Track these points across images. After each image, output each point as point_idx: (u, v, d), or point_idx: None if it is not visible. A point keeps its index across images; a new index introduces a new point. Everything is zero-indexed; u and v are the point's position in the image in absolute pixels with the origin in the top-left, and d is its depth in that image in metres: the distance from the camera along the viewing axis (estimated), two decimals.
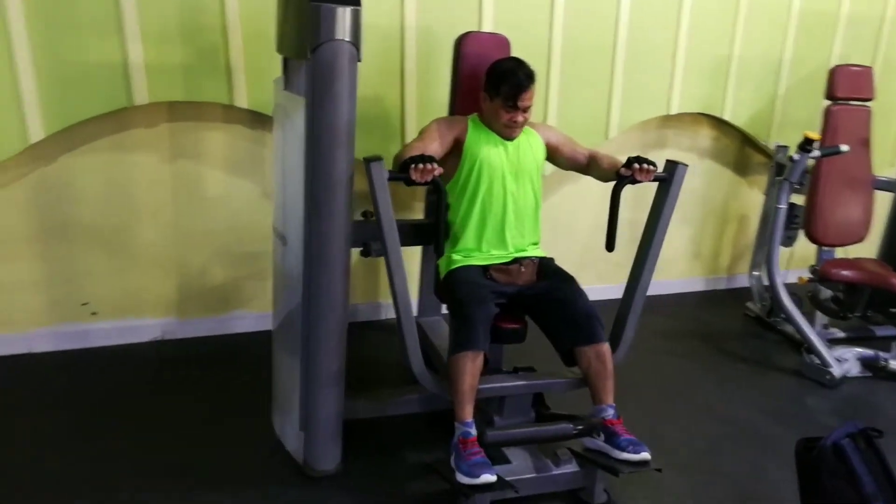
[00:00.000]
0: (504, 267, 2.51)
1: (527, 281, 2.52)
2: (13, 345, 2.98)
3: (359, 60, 2.07)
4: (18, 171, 2.82)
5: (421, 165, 2.13)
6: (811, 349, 3.31)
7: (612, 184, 2.43)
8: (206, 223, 3.14)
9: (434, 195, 2.28)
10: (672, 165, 2.39)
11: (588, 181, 2.64)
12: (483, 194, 2.49)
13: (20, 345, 2.99)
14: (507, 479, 2.17)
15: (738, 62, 3.87)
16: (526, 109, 2.44)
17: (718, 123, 4.10)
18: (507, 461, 2.32)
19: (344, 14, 1.99)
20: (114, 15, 2.66)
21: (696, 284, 4.42)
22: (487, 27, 3.22)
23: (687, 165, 2.39)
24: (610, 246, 2.46)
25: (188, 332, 3.24)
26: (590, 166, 2.58)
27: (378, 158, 2.14)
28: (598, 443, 2.30)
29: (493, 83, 2.44)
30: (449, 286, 2.46)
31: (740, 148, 4.25)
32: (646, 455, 2.20)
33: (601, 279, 3.99)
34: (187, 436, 2.54)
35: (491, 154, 2.48)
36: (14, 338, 2.98)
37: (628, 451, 2.21)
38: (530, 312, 2.49)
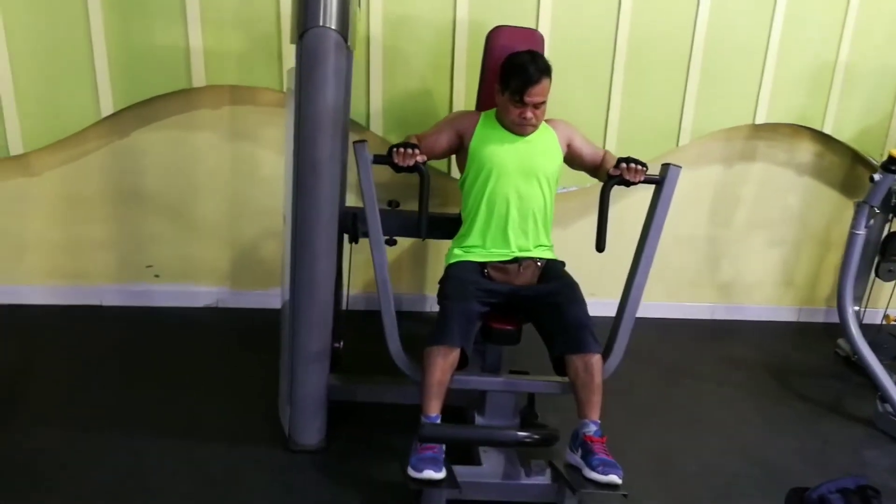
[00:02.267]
0: (502, 265, 2.45)
1: (525, 282, 2.45)
2: (87, 296, 3.34)
3: (349, 49, 2.11)
4: (98, 142, 3.15)
5: (402, 150, 2.21)
6: (884, 397, 2.90)
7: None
8: (258, 201, 3.33)
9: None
10: (665, 168, 2.32)
11: None
12: (489, 191, 2.44)
13: (92, 297, 3.34)
14: (470, 480, 2.14)
15: (846, 69, 3.45)
16: (537, 106, 2.36)
17: (823, 138, 3.68)
18: (479, 463, 2.28)
19: (330, 1, 2.04)
20: (178, 2, 2.89)
21: (787, 314, 4.01)
22: (545, 23, 3.12)
23: (680, 167, 2.28)
24: (600, 246, 2.38)
25: (239, 303, 3.46)
26: (599, 167, 2.48)
27: (363, 141, 2.23)
28: (576, 458, 2.19)
29: (504, 76, 2.38)
30: (442, 280, 2.45)
31: (850, 167, 3.80)
32: (614, 479, 2.06)
33: (670, 296, 3.74)
34: (203, 397, 2.71)
35: (498, 151, 2.43)
36: (88, 290, 3.34)
37: (597, 472, 2.08)
38: (526, 315, 2.41)
